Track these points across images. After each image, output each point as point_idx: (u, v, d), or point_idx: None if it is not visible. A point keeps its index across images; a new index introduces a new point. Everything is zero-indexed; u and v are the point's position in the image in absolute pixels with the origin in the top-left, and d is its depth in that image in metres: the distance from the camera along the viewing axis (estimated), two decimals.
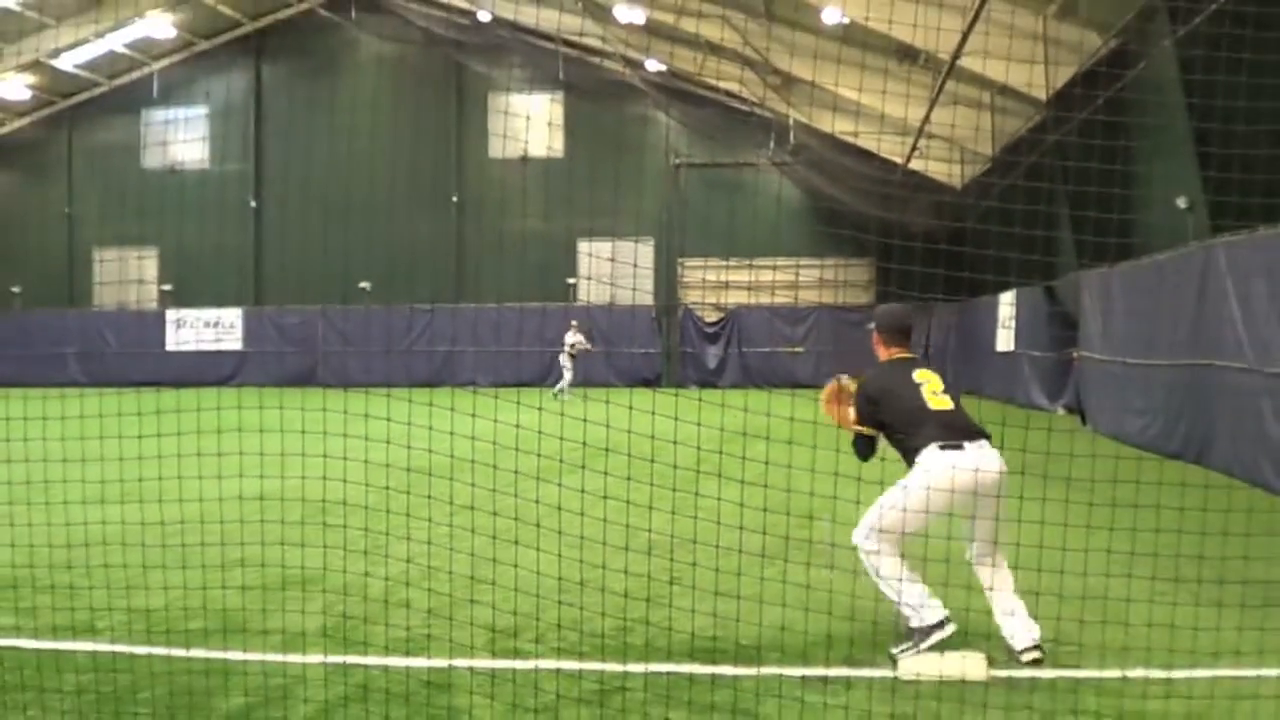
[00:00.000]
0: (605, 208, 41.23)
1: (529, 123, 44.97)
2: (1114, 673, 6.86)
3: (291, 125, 45.94)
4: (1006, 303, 31.63)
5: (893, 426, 7.47)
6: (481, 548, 8.88)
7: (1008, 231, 26.74)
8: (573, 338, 36.84)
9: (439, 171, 46.08)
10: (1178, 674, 6.82)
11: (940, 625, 7.15)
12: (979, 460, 7.22)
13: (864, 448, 7.63)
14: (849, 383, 7.90)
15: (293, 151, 44.62)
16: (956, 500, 7.28)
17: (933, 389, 7.60)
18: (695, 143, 44.02)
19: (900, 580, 7.23)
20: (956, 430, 7.38)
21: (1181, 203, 20.52)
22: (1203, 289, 17.36)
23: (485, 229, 44.26)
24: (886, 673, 6.98)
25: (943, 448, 7.27)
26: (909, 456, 7.41)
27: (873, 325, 7.95)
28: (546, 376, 43.00)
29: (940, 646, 7.16)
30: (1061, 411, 26.69)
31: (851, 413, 7.64)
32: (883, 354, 7.88)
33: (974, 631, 7.62)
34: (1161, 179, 21.53)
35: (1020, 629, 7.24)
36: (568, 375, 36.09)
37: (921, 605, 7.20)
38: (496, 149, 45.40)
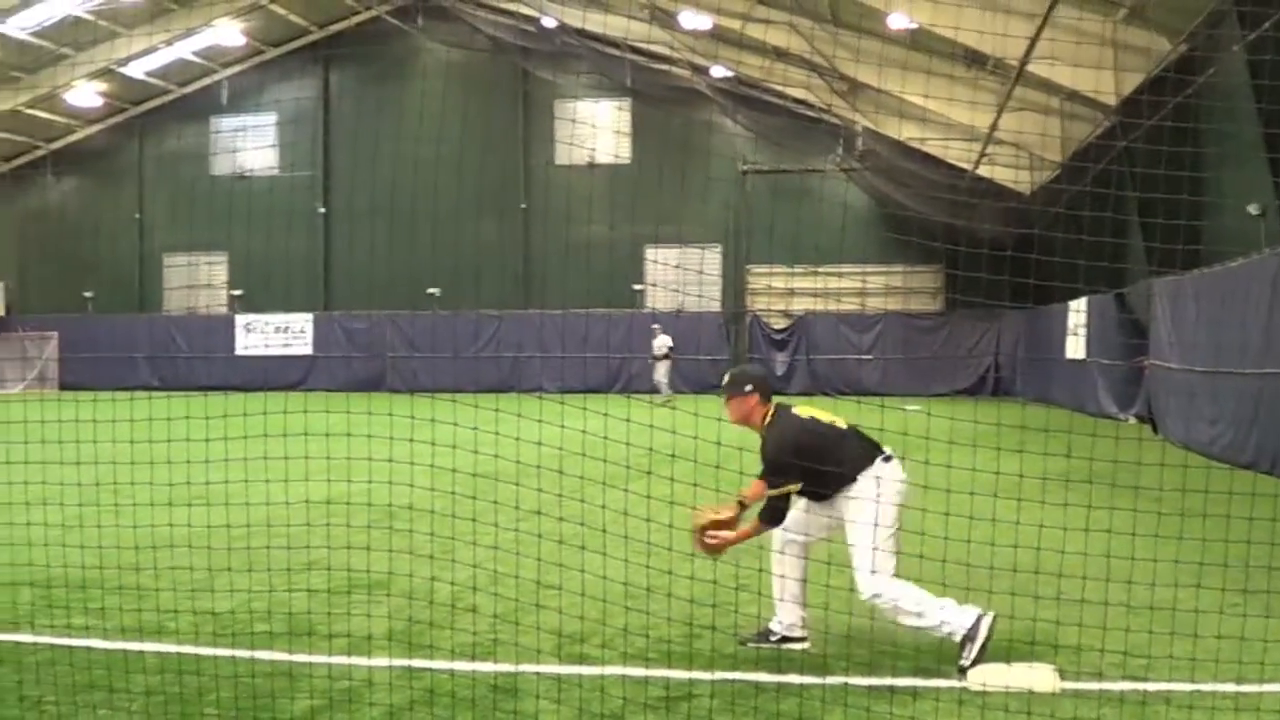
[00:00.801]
0: (672, 214, 41.22)
1: (595, 129, 45.08)
2: (1184, 685, 6.79)
3: (359, 132, 46.22)
4: (1076, 310, 31.39)
5: (823, 464, 7.40)
6: (548, 553, 8.90)
7: (1076, 238, 26.53)
8: (660, 340, 36.81)
9: (506, 178, 46.23)
10: (1248, 688, 6.74)
11: (979, 620, 7.13)
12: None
13: (782, 511, 7.59)
14: (722, 511, 7.83)
15: (361, 158, 44.91)
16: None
17: (822, 412, 7.86)
18: (762, 149, 43.90)
19: (923, 603, 7.21)
20: (874, 442, 7.62)
21: (1253, 209, 20.30)
22: (1275, 296, 17.16)
23: (552, 235, 44.40)
24: (954, 683, 6.95)
25: (885, 460, 7.47)
26: (842, 484, 7.42)
27: (749, 389, 7.81)
28: (614, 383, 43.06)
29: (1008, 657, 7.13)
30: (1132, 420, 26.44)
31: (756, 497, 7.62)
32: (764, 411, 7.79)
33: (1041, 642, 7.58)
34: (1232, 185, 21.30)
35: (787, 615, 7.75)
36: (662, 382, 36.03)
37: (954, 615, 7.18)
38: (563, 156, 45.50)
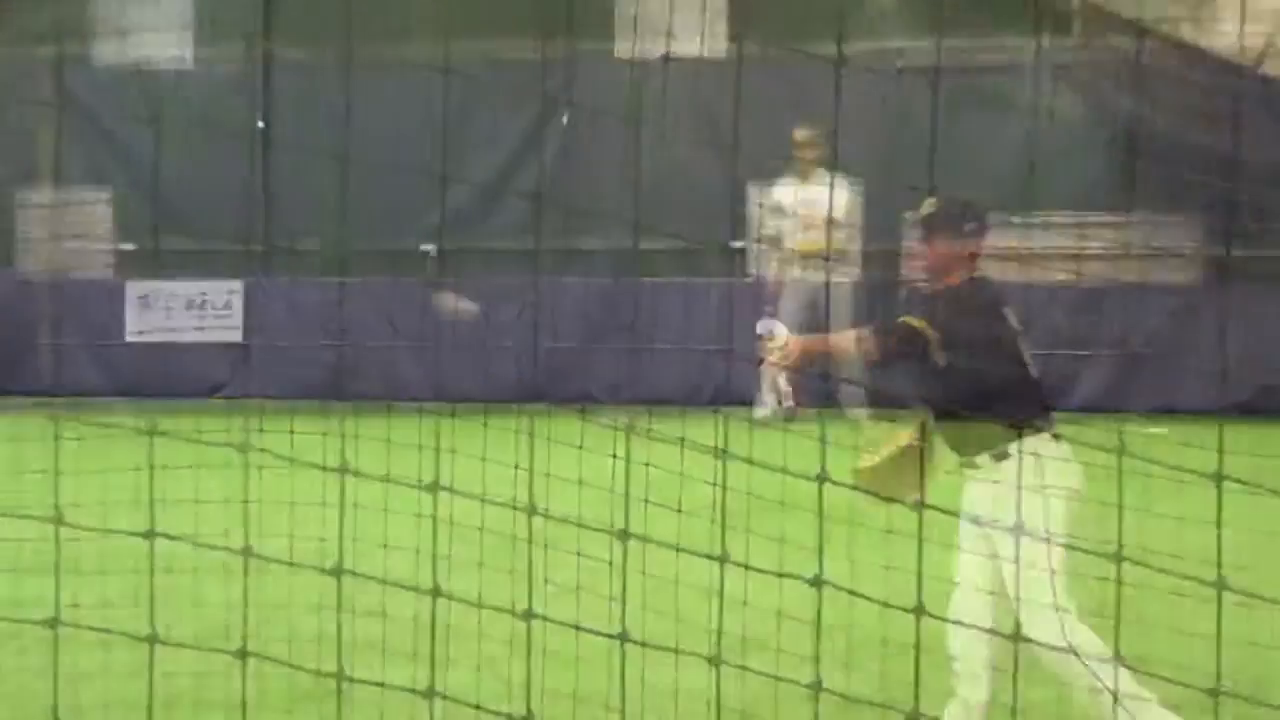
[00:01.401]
0: (787, 133, 41.23)
1: (674, 6, 45.11)
2: None
3: (318, 5, 46.46)
4: None
5: (1001, 374, 7.42)
6: (591, 652, 8.87)
7: None
8: (768, 327, 36.92)
9: (539, 80, 46.42)
10: None
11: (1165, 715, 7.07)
12: None
13: (894, 354, 7.72)
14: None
15: (320, 45, 45.09)
16: None
17: None
18: (924, 33, 43.77)
19: (1103, 655, 7.11)
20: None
21: None
22: None
23: (607, 165, 44.38)
24: None
25: (1056, 437, 7.55)
26: (1008, 424, 7.36)
27: (973, 228, 7.69)
28: (698, 391, 43.02)
29: None
30: None
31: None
32: (968, 270, 7.71)
33: None
34: None
35: None
36: (768, 392, 36.20)
37: (1137, 689, 7.09)
38: (625, 46, 45.58)
